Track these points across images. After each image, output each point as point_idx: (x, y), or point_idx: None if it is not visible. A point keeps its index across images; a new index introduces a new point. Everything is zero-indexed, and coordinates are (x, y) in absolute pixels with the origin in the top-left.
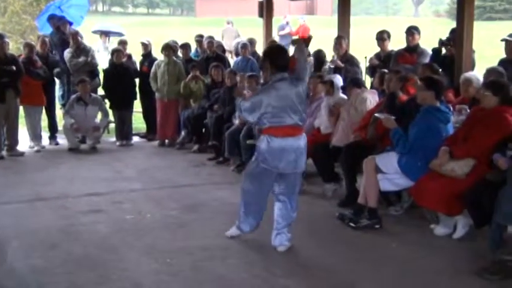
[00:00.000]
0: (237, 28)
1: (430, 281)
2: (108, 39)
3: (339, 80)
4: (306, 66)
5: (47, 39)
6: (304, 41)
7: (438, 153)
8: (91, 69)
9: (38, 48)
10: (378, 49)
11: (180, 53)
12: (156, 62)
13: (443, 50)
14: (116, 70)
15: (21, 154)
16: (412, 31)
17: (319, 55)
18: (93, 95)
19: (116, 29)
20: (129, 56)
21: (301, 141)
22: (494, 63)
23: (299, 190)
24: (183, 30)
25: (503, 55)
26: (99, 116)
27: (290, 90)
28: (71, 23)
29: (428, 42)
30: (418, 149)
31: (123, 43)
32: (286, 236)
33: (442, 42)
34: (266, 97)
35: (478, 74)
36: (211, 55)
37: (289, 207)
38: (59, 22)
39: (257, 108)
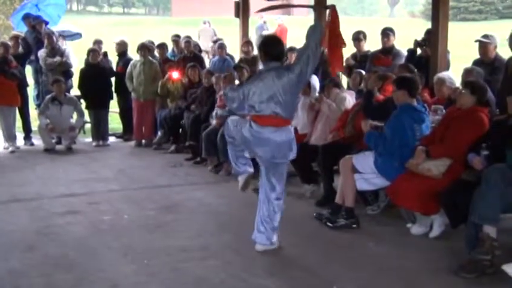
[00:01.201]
0: (213, 28)
1: (408, 280)
2: (65, 41)
3: (315, 80)
4: (312, 46)
5: (19, 39)
6: (325, 8)
7: (414, 152)
8: (65, 69)
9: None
10: (354, 49)
11: (156, 53)
12: (131, 62)
13: (419, 51)
14: (91, 70)
15: None
16: (387, 32)
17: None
18: (68, 95)
19: (73, 31)
20: (105, 54)
21: (284, 132)
22: (468, 63)
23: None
24: (159, 30)
25: (477, 56)
26: (75, 116)
27: (276, 81)
28: (47, 23)
29: (403, 43)
30: (395, 149)
31: (98, 42)
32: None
33: (417, 43)
34: (253, 86)
35: (451, 74)
36: (189, 55)
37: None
38: (34, 21)
39: (243, 96)
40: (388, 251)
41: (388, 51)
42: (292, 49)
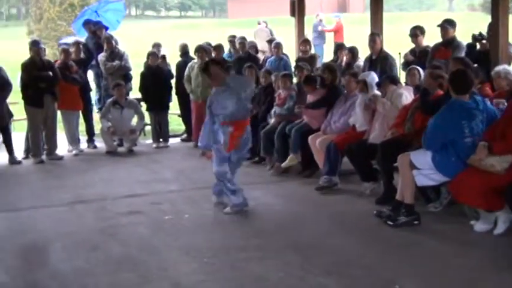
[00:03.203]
0: (270, 28)
1: (471, 278)
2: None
3: (373, 78)
4: None
5: (80, 45)
6: None
7: (474, 149)
8: (124, 72)
9: (72, 53)
10: (412, 45)
11: (213, 55)
12: (189, 64)
13: (478, 45)
14: (151, 73)
15: (61, 158)
16: (444, 25)
17: (353, 51)
18: (129, 98)
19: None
20: (164, 57)
21: None
22: None
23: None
24: (216, 32)
25: None
26: (135, 119)
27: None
28: (106, 28)
29: (463, 37)
30: (448, 145)
31: (157, 46)
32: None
33: (475, 38)
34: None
35: (507, 66)
36: (244, 55)
37: None
38: (94, 27)
39: None
40: (450, 249)
41: (448, 43)
42: (341, 46)
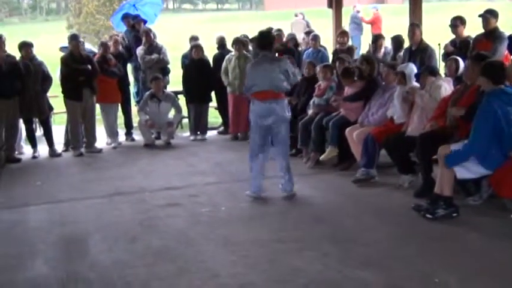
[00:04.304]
0: (307, 20)
1: (511, 274)
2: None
3: (411, 69)
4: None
5: (118, 38)
6: None
7: None
8: (163, 66)
9: (110, 47)
10: (453, 36)
11: (250, 47)
12: (227, 57)
13: None
14: (195, 65)
15: (99, 151)
16: (486, 15)
17: (399, 40)
18: (166, 91)
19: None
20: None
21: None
22: None
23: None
24: (253, 24)
25: None
26: (172, 112)
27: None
28: (145, 21)
29: (506, 27)
30: (493, 139)
31: (194, 39)
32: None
33: None
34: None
35: None
36: (281, 48)
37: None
38: (133, 20)
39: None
40: (490, 243)
41: (490, 34)
42: (380, 37)
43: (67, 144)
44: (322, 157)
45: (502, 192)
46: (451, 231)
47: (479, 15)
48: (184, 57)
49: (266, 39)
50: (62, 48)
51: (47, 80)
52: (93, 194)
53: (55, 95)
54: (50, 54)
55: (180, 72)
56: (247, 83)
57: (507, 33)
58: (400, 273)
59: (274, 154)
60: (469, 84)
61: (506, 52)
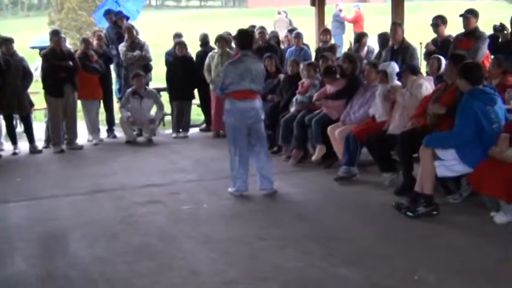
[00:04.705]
0: (290, 18)
1: (491, 270)
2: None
3: (393, 68)
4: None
5: (102, 34)
6: None
7: (497, 139)
8: (145, 63)
9: (94, 43)
10: (434, 35)
11: (233, 44)
12: (209, 54)
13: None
14: (178, 62)
15: (80, 147)
16: (466, 15)
17: (385, 37)
18: (148, 88)
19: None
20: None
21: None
22: None
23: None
24: (236, 22)
25: None
26: (155, 109)
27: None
28: (127, 18)
29: (487, 27)
30: (475, 136)
31: (178, 36)
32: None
33: (495, 28)
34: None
35: None
36: (263, 45)
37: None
38: (116, 17)
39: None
40: (470, 241)
41: (471, 33)
42: (363, 35)
43: (48, 140)
44: (313, 158)
45: (481, 189)
46: (432, 229)
47: (460, 15)
48: (168, 54)
49: (246, 38)
50: (35, 48)
51: (27, 76)
52: (73, 191)
53: (36, 91)
54: (31, 50)
55: (163, 69)
56: (223, 82)
57: (488, 33)
58: (381, 270)
59: (255, 152)
60: (449, 84)
61: (487, 51)
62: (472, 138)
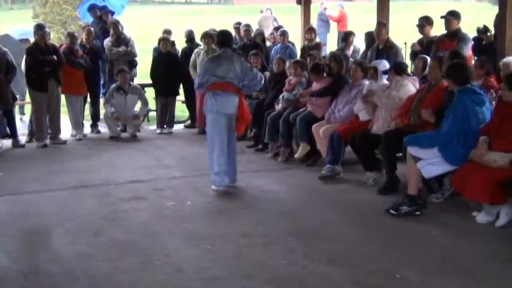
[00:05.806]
0: (274, 16)
1: (472, 269)
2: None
3: (384, 66)
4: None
5: (91, 29)
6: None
7: (478, 140)
8: (130, 58)
9: (83, 38)
10: (420, 35)
11: None
12: (195, 51)
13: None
14: (162, 58)
15: (64, 142)
16: (447, 17)
17: (372, 36)
18: (133, 84)
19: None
20: (173, 44)
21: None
22: None
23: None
24: (222, 19)
25: None
26: (139, 104)
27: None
28: (112, 13)
29: (470, 28)
30: (459, 134)
31: (167, 32)
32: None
33: (479, 31)
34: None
35: None
36: (249, 43)
37: None
38: (101, 11)
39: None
40: (452, 240)
41: (453, 35)
42: (350, 34)
43: (31, 135)
44: (296, 155)
45: (465, 194)
46: (415, 227)
47: (442, 17)
48: (155, 50)
49: (225, 36)
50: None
51: (11, 70)
52: (56, 186)
53: None
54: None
55: (149, 64)
56: (201, 78)
57: (471, 35)
58: (363, 268)
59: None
60: (433, 84)
61: (470, 53)
62: (457, 136)
